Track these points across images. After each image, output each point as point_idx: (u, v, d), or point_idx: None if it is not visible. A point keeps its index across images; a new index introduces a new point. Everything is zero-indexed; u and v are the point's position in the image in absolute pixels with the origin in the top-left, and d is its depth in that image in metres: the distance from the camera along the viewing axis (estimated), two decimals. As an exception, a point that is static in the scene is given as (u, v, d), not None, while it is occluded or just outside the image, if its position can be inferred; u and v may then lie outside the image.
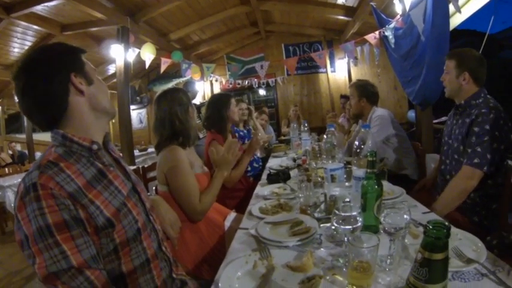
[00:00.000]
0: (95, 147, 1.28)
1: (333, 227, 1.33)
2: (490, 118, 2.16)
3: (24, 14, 5.50)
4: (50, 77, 1.25)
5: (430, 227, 0.88)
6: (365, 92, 3.64)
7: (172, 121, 2.28)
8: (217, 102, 3.53)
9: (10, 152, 9.69)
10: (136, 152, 7.23)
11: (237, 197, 3.34)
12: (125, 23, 5.90)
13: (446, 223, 0.88)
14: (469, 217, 2.29)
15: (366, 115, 3.65)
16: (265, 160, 4.47)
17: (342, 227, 1.29)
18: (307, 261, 1.28)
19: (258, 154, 4.41)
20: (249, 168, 3.75)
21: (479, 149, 2.15)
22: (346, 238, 1.27)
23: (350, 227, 1.27)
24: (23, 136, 10.05)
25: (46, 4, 5.30)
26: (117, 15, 5.84)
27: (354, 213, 1.31)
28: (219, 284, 1.25)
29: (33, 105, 1.26)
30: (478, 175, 2.16)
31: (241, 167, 3.17)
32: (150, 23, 7.00)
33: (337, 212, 1.32)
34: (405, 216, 1.26)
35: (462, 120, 2.39)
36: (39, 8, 5.51)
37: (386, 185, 2.33)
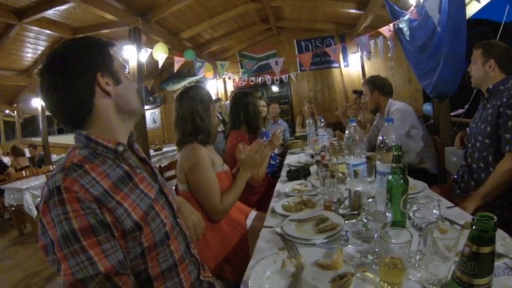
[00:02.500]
0: (120, 148, 1.24)
1: (362, 223, 1.31)
2: None
3: (35, 19, 5.56)
4: (74, 77, 1.19)
5: (478, 220, 0.86)
6: (375, 84, 3.69)
7: (194, 118, 2.28)
8: (246, 101, 3.46)
9: (29, 154, 9.77)
10: (151, 152, 7.25)
11: (260, 192, 3.33)
12: (136, 24, 5.92)
13: (493, 216, 0.86)
14: (490, 210, 2.23)
15: (383, 107, 3.66)
16: (281, 157, 4.45)
17: (372, 222, 1.27)
18: (338, 259, 1.26)
19: (276, 150, 4.39)
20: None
21: None
22: (376, 234, 1.25)
23: (381, 223, 1.25)
24: (39, 139, 10.17)
25: (57, 8, 5.34)
26: (128, 16, 5.86)
27: (383, 208, 1.29)
28: (249, 285, 1.23)
29: (56, 105, 1.22)
30: None
31: (264, 164, 3.15)
32: (161, 23, 7.00)
33: (366, 207, 1.30)
34: (434, 210, 1.24)
35: (491, 103, 2.37)
36: (50, 13, 5.56)
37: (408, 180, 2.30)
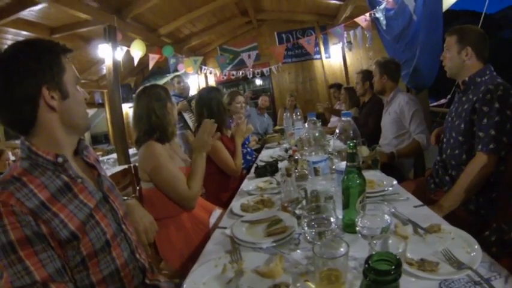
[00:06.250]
0: (60, 160, 1.23)
1: (303, 231, 1.24)
2: (498, 95, 1.99)
3: (11, 20, 5.42)
4: (17, 88, 1.16)
5: (372, 266, 0.72)
6: (386, 68, 3.61)
7: (149, 116, 2.26)
8: (209, 96, 3.35)
9: (14, 157, 9.64)
10: (133, 150, 7.14)
11: (232, 189, 3.26)
12: (111, 22, 5.81)
13: (395, 258, 0.74)
14: (464, 205, 2.14)
15: (389, 92, 3.62)
16: (259, 152, 4.38)
17: (311, 231, 1.20)
18: (275, 267, 1.19)
19: (251, 141, 4.35)
20: (242, 161, 3.65)
21: (493, 132, 1.98)
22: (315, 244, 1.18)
23: (319, 231, 1.17)
24: (20, 142, 10.04)
25: (31, 9, 5.22)
26: (103, 14, 5.74)
27: (326, 215, 1.21)
28: None
29: (1, 110, 1.20)
30: (494, 161, 2.01)
31: (238, 152, 3.20)
32: (137, 19, 6.88)
33: (306, 214, 1.23)
34: (386, 217, 1.14)
35: (466, 97, 2.23)
36: (25, 13, 5.43)
37: (378, 175, 2.23)
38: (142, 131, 2.28)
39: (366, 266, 0.72)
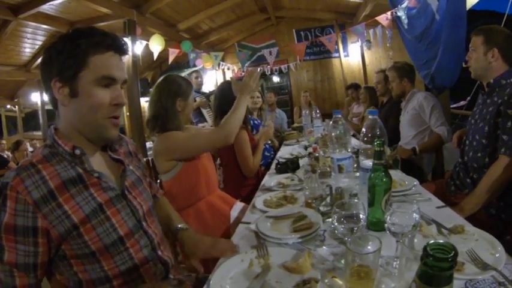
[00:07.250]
0: (77, 152, 1.24)
1: (332, 226, 1.23)
2: None
3: (31, 14, 5.55)
4: (42, 67, 1.24)
5: (429, 252, 0.72)
6: (404, 71, 3.71)
7: (156, 104, 2.29)
8: (229, 92, 3.36)
9: (32, 148, 9.81)
10: (150, 144, 7.21)
11: (251, 184, 3.24)
12: (131, 16, 5.86)
13: (452, 248, 0.73)
14: (485, 208, 2.09)
15: (406, 94, 3.70)
16: (277, 149, 4.37)
17: (343, 228, 1.18)
18: (304, 263, 1.18)
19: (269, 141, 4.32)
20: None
21: None
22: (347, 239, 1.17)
23: (349, 227, 1.16)
24: (40, 133, 10.24)
25: (52, 3, 5.34)
26: (123, 8, 5.82)
27: (355, 211, 1.20)
28: (210, 283, 1.18)
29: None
30: None
31: (258, 153, 3.17)
32: (157, 14, 6.96)
33: (337, 209, 1.22)
34: (414, 215, 1.12)
35: (491, 100, 2.17)
36: (45, 7, 5.54)
37: (399, 174, 2.21)
38: (151, 115, 2.31)
39: (424, 252, 0.73)
